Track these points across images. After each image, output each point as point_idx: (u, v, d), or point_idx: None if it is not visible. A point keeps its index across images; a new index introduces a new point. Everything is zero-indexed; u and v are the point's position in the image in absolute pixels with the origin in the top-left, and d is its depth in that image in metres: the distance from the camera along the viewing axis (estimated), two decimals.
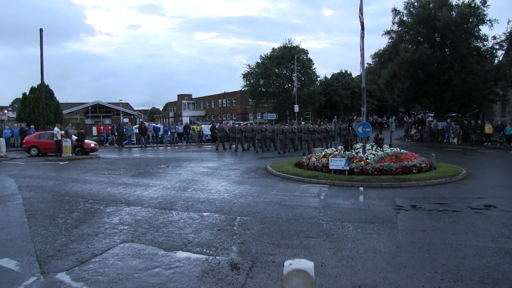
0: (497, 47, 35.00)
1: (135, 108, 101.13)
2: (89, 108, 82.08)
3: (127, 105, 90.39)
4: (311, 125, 27.78)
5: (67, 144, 23.53)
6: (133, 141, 35.92)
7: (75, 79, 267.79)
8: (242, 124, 33.13)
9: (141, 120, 67.44)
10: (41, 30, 32.01)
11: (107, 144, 34.95)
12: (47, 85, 40.66)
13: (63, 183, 14.55)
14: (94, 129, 38.78)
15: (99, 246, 7.22)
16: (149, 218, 9.31)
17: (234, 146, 29.29)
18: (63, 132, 25.07)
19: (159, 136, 36.10)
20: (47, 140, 25.62)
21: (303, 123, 30.87)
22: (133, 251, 6.98)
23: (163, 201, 11.14)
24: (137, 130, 36.30)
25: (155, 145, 34.97)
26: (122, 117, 70.01)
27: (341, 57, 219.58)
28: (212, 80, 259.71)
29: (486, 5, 33.50)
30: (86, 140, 27.81)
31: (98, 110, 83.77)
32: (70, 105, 79.79)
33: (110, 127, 36.78)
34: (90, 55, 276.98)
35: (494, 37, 34.54)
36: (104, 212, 9.92)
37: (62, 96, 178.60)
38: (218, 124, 34.41)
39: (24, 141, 26.89)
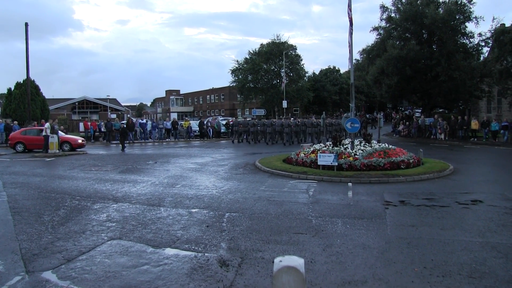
0: (483, 44, 35.51)
1: (123, 104, 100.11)
2: (76, 103, 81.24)
3: (114, 100, 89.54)
4: (315, 120, 30.01)
5: (53, 140, 23.24)
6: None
7: (62, 75, 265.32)
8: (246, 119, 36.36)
9: (128, 116, 66.95)
10: (26, 24, 31.58)
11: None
12: (33, 80, 40.17)
13: (49, 179, 14.37)
14: (81, 125, 38.34)
15: (86, 244, 7.12)
16: (137, 214, 9.22)
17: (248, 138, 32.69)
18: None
19: (147, 132, 35.86)
20: (33, 136, 25.24)
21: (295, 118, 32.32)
22: (121, 248, 6.90)
23: (151, 198, 11.05)
24: (125, 126, 35.96)
25: (143, 141, 34.74)
26: (109, 113, 69.42)
27: (329, 53, 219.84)
28: (201, 76, 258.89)
29: (472, 2, 33.90)
30: (73, 136, 27.51)
31: (85, 105, 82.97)
32: (57, 100, 78.84)
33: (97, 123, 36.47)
34: (78, 50, 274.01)
35: (480, 34, 34.99)
36: (91, 209, 9.81)
37: (49, 91, 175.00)
38: (234, 119, 37.33)
39: (9, 137, 26.49)
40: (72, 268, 6.03)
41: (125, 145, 27.29)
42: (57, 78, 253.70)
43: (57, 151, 23.21)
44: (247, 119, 37.23)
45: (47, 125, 24.09)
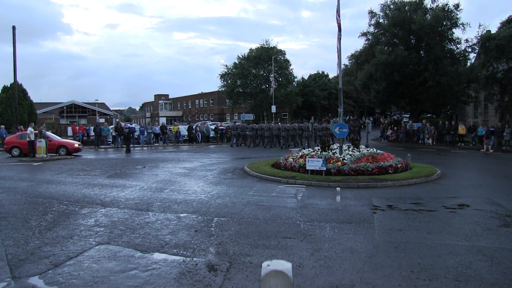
0: (470, 50, 35.90)
1: (112, 108, 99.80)
2: (64, 108, 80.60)
3: (103, 105, 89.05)
4: (311, 124, 31.10)
5: (41, 144, 23.03)
6: (109, 141, 35.41)
7: (51, 79, 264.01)
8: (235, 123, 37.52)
9: (117, 120, 66.59)
10: (13, 28, 31.31)
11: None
12: (21, 84, 39.89)
13: (36, 184, 14.24)
14: (69, 129, 38.04)
15: (74, 249, 7.08)
16: (126, 219, 9.18)
17: (248, 142, 33.81)
18: (36, 132, 24.56)
19: (135, 136, 35.69)
20: None
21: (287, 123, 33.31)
22: (109, 253, 6.87)
23: (139, 202, 11.01)
24: (114, 130, 35.79)
25: (131, 145, 34.51)
26: (98, 117, 69.02)
27: (318, 58, 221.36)
28: (191, 81, 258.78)
29: (458, 9, 34.33)
30: (69, 141, 27.36)
31: (74, 110, 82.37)
32: (45, 104, 78.15)
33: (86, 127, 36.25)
34: (67, 54, 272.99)
35: (467, 40, 35.39)
36: (79, 214, 9.74)
37: (37, 95, 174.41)
38: (233, 124, 37.93)
39: (5, 142, 26.28)
40: (60, 273, 5.99)
41: (130, 148, 28.66)
42: (46, 82, 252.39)
43: (45, 155, 23.00)
44: (237, 123, 38.07)
45: (29, 130, 23.88)
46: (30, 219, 9.23)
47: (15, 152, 24.87)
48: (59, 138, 27.38)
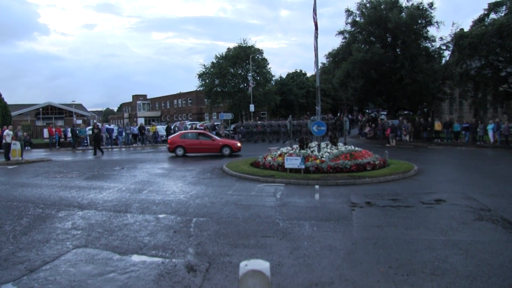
0: (444, 47, 36.63)
1: (89, 109, 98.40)
2: (40, 109, 79.13)
3: (80, 106, 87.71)
4: (289, 122, 32.76)
5: (16, 147, 22.53)
6: (86, 143, 34.87)
7: (28, 80, 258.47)
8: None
9: (94, 121, 65.69)
10: None
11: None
12: None
13: (11, 188, 13.94)
14: (46, 131, 37.32)
15: (50, 253, 6.95)
16: (103, 221, 9.06)
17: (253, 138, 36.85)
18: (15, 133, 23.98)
19: (113, 137, 35.24)
20: (192, 140, 24.95)
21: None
22: (87, 256, 6.78)
23: (117, 204, 10.88)
24: (91, 131, 35.24)
25: (110, 146, 34.09)
26: (75, 119, 68.01)
27: (297, 57, 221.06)
28: (170, 81, 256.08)
29: (433, 7, 34.96)
30: (232, 140, 27.50)
31: (50, 111, 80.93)
32: (20, 106, 76.54)
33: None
34: (44, 55, 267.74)
35: (441, 38, 36.16)
36: (56, 217, 9.58)
37: (13, 97, 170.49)
38: (239, 123, 40.95)
39: (168, 141, 25.79)
40: (35, 279, 5.87)
41: (99, 150, 27.50)
42: (22, 84, 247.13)
43: (20, 158, 22.53)
44: (215, 122, 39.09)
45: (6, 132, 23.31)
46: (4, 224, 9.03)
47: (179, 151, 24.47)
48: (219, 137, 27.16)
